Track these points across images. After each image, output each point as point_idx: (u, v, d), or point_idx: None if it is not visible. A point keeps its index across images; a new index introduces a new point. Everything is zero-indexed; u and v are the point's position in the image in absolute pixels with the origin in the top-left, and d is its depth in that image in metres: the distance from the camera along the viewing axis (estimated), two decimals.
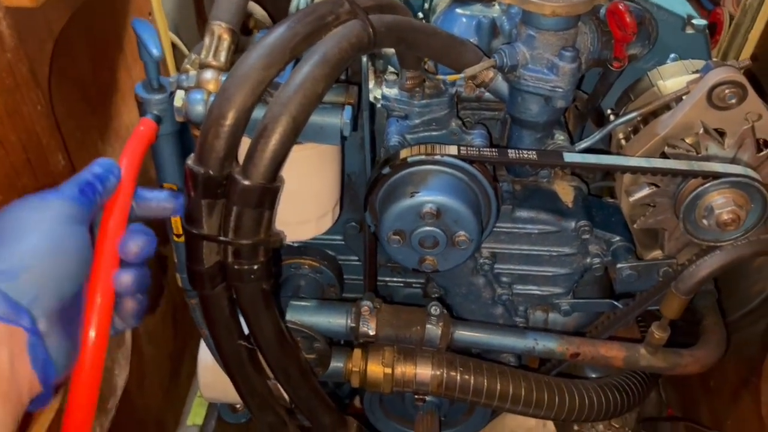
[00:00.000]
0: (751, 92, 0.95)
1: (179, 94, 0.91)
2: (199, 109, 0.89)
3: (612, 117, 1.11)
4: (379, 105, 1.10)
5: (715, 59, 1.05)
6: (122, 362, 1.24)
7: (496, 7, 1.11)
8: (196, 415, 1.73)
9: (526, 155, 1.01)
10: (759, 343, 1.27)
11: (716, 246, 1.04)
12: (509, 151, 1.02)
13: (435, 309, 1.14)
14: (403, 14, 0.99)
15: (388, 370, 1.17)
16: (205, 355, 1.36)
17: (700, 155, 0.99)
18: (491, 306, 1.27)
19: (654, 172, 0.99)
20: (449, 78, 1.04)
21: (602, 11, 1.02)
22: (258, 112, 0.82)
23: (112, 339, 1.12)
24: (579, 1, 0.94)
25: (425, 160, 1.01)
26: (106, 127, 1.23)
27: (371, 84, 1.10)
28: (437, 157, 1.00)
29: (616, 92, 1.15)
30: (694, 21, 1.11)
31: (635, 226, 1.09)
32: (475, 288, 1.24)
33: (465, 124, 1.12)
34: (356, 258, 1.34)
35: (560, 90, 0.99)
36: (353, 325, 1.14)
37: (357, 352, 1.19)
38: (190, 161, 0.82)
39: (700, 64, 1.05)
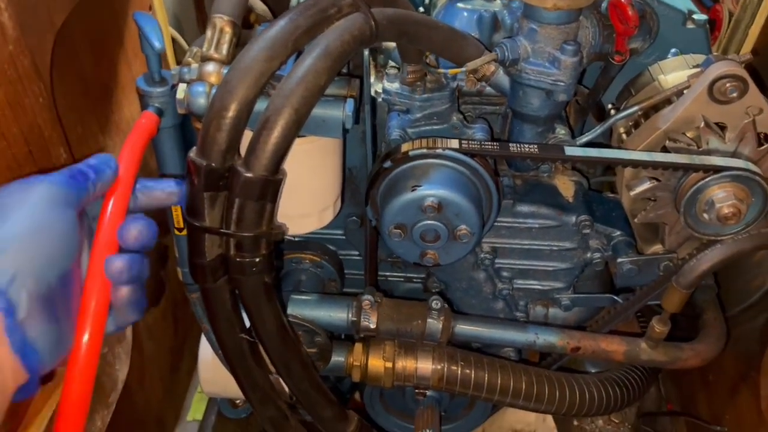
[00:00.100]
0: (752, 86, 0.95)
1: (181, 87, 0.91)
2: (201, 101, 0.89)
3: (613, 111, 1.11)
4: (380, 99, 1.10)
5: (715, 53, 1.05)
6: (123, 357, 1.24)
7: (497, 0, 1.11)
8: (196, 410, 1.73)
9: (527, 149, 1.01)
10: (758, 338, 1.28)
11: (717, 240, 1.04)
12: (510, 145, 1.02)
13: (436, 303, 1.14)
14: (404, 7, 0.99)
15: (389, 365, 1.17)
16: (205, 351, 1.36)
17: (701, 149, 0.99)
18: (492, 301, 1.27)
19: (655, 166, 0.99)
20: (450, 72, 1.04)
21: (604, 5, 1.02)
22: (260, 105, 0.82)
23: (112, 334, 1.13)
24: None
25: (427, 153, 1.01)
26: (107, 120, 1.23)
27: (372, 78, 1.10)
28: (439, 151, 1.01)
29: (617, 87, 1.16)
30: (694, 16, 1.11)
31: (636, 220, 1.09)
32: (476, 283, 1.24)
33: (466, 118, 1.12)
34: (357, 253, 1.34)
35: (562, 84, 1.00)
36: (354, 319, 1.14)
37: (358, 347, 1.19)
38: (192, 153, 0.82)
39: (700, 58, 1.05)
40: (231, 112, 0.79)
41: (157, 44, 0.90)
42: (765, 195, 0.99)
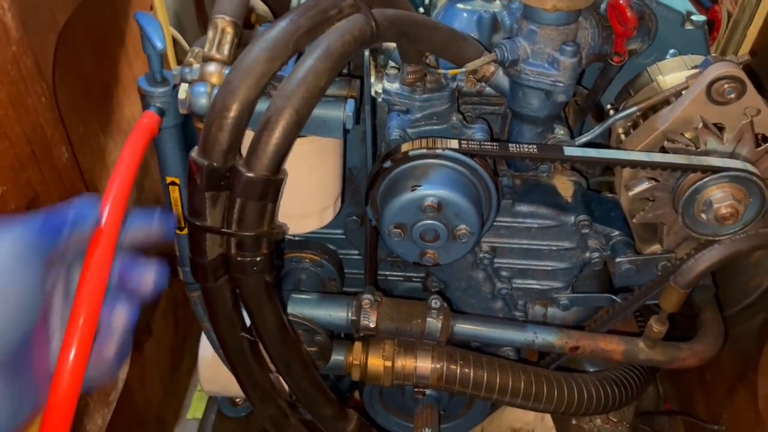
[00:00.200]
0: (750, 87, 0.95)
1: (183, 87, 0.91)
2: (202, 101, 0.90)
3: (612, 112, 1.12)
4: (380, 99, 1.11)
5: (714, 54, 1.06)
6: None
7: (497, 1, 1.11)
8: (196, 409, 1.74)
9: (526, 149, 1.01)
10: (756, 338, 1.28)
11: (715, 240, 1.05)
12: (510, 145, 1.02)
13: (435, 302, 1.14)
14: (404, 8, 0.99)
15: (389, 363, 1.17)
16: (205, 349, 1.36)
17: (699, 150, 1.00)
18: (491, 300, 1.27)
19: (653, 166, 0.99)
20: (450, 72, 1.04)
21: (603, 6, 1.02)
22: (261, 105, 0.82)
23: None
24: None
25: (426, 153, 1.02)
26: (108, 120, 1.24)
27: (372, 78, 1.11)
28: (438, 151, 1.01)
29: (616, 87, 1.16)
30: (693, 17, 1.12)
31: (634, 220, 1.10)
32: (475, 282, 1.25)
33: (466, 119, 1.13)
34: (357, 252, 1.35)
35: (561, 84, 1.00)
36: (354, 318, 1.15)
37: (358, 345, 1.19)
38: (194, 153, 0.82)
39: (699, 59, 1.06)
40: (233, 113, 0.80)
41: (158, 44, 0.90)
42: (763, 195, 0.99)
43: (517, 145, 1.02)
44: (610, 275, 1.21)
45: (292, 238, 1.30)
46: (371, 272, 1.30)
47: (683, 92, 1.01)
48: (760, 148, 1.00)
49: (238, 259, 0.88)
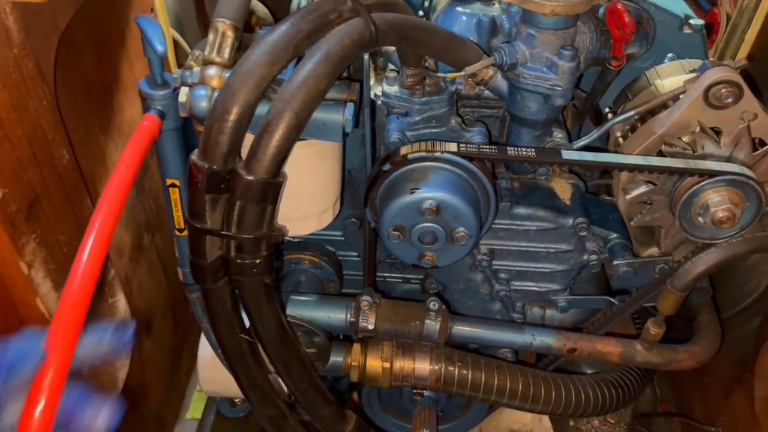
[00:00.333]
0: (747, 92, 0.96)
1: (184, 90, 0.92)
2: (203, 104, 0.90)
3: (610, 115, 1.13)
4: (379, 102, 1.11)
5: (711, 59, 1.07)
6: (123, 356, 1.25)
7: (496, 5, 1.12)
8: (195, 409, 1.74)
9: (524, 152, 1.02)
10: (752, 341, 1.29)
11: (712, 243, 1.05)
12: (508, 148, 1.03)
13: (434, 304, 1.15)
14: (404, 12, 1.00)
15: (387, 365, 1.18)
16: (204, 350, 1.37)
17: (696, 154, 1.01)
18: (489, 302, 1.28)
19: (651, 170, 1.00)
20: (449, 76, 1.05)
21: (601, 11, 1.03)
22: (261, 108, 0.83)
23: None
24: (578, 0, 0.95)
25: (425, 156, 1.02)
26: (109, 123, 1.24)
27: (372, 81, 1.11)
28: (437, 154, 1.02)
29: (614, 91, 1.17)
30: (691, 21, 1.12)
31: (632, 223, 1.10)
32: (474, 284, 1.25)
33: (464, 122, 1.13)
34: (355, 254, 1.35)
35: (559, 88, 1.01)
36: (353, 319, 1.15)
37: (356, 347, 1.20)
38: (194, 156, 0.83)
39: (697, 63, 1.06)
40: (233, 116, 0.80)
41: (159, 48, 0.90)
42: (759, 199, 1.00)
43: (516, 148, 1.03)
44: (608, 278, 1.21)
45: (292, 239, 1.31)
46: (370, 274, 1.30)
47: (681, 96, 1.01)
48: (757, 152, 1.00)
49: (238, 261, 0.88)
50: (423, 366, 1.17)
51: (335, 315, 1.16)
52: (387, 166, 1.04)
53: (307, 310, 1.16)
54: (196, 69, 0.94)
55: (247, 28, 1.24)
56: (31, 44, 0.90)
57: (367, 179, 1.11)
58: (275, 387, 1.11)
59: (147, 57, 0.94)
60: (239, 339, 0.99)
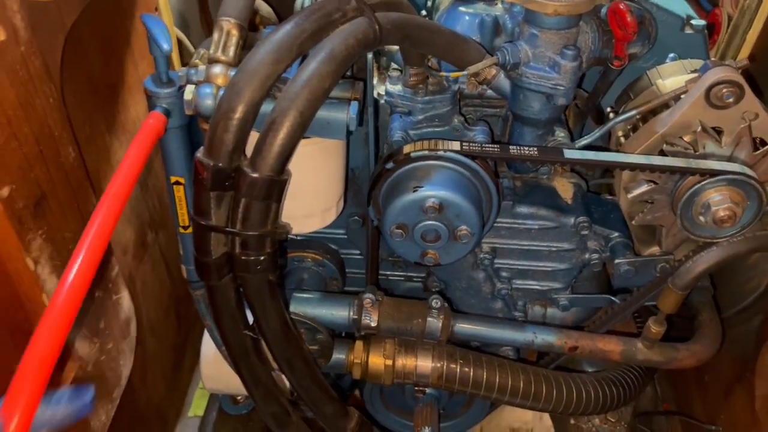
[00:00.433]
0: (749, 92, 0.97)
1: (189, 88, 0.92)
2: (208, 102, 0.91)
3: (612, 115, 1.13)
4: (382, 101, 1.12)
5: (713, 59, 1.07)
6: (127, 352, 1.26)
7: (499, 5, 1.12)
8: (197, 406, 1.75)
9: (527, 151, 1.03)
10: (753, 340, 1.29)
11: (713, 242, 1.06)
12: (511, 147, 1.03)
13: (436, 302, 1.15)
14: (407, 12, 1.00)
15: (389, 362, 1.18)
16: (207, 347, 1.37)
17: (697, 153, 1.01)
18: (491, 300, 1.28)
19: (652, 169, 1.01)
20: (452, 75, 1.05)
21: (603, 11, 1.04)
22: (266, 107, 0.84)
23: (118, 329, 1.14)
24: (581, 0, 0.95)
25: (428, 155, 1.03)
26: (114, 121, 1.25)
27: (375, 80, 1.12)
28: (440, 153, 1.02)
29: (616, 91, 1.17)
30: (693, 21, 1.13)
31: (633, 222, 1.11)
32: (475, 282, 1.26)
33: (467, 121, 1.14)
34: (358, 252, 1.36)
35: (561, 88, 1.01)
36: (356, 317, 1.16)
37: (359, 344, 1.21)
38: (199, 154, 0.84)
39: (698, 63, 1.07)
40: (238, 114, 0.81)
41: (165, 46, 0.91)
42: (760, 198, 1.00)
43: (518, 147, 1.03)
44: (609, 276, 1.22)
45: (295, 237, 1.32)
46: (373, 272, 1.31)
47: (682, 96, 1.02)
48: (758, 152, 1.01)
49: (242, 258, 0.89)
50: (425, 363, 1.18)
51: (338, 312, 1.17)
52: (390, 165, 1.05)
53: (310, 307, 1.17)
54: (202, 67, 0.94)
55: (251, 27, 1.25)
56: (38, 42, 0.90)
57: (370, 177, 1.12)
58: (278, 384, 1.12)
59: (153, 55, 0.94)
60: (243, 336, 1.00)
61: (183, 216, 1.11)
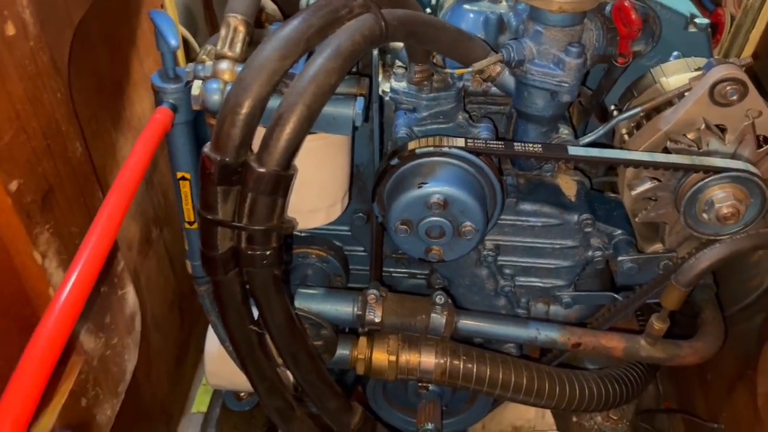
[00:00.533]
0: (752, 89, 0.97)
1: (197, 84, 0.93)
2: (215, 98, 0.92)
3: (615, 112, 1.14)
4: (387, 98, 1.12)
5: (717, 57, 1.08)
6: (132, 347, 1.26)
7: (503, 3, 1.13)
8: (200, 402, 1.75)
9: (531, 148, 1.03)
10: (756, 338, 1.29)
11: (716, 239, 1.06)
12: (515, 144, 1.04)
13: (440, 298, 1.16)
14: (413, 9, 1.01)
15: (393, 358, 1.19)
16: (211, 343, 1.38)
17: (701, 150, 1.02)
18: (494, 297, 1.29)
19: (656, 166, 1.01)
20: (457, 72, 1.06)
21: (608, 8, 1.04)
22: (273, 102, 0.84)
23: (123, 324, 1.14)
24: None
25: (433, 151, 1.03)
26: (119, 117, 1.26)
27: (379, 77, 1.13)
28: (445, 149, 1.03)
29: (620, 88, 1.18)
30: (696, 20, 1.13)
31: (637, 219, 1.11)
32: (479, 279, 1.26)
33: (472, 118, 1.14)
34: (362, 248, 1.36)
35: (566, 85, 1.02)
36: (359, 312, 1.16)
37: (362, 340, 1.21)
38: (206, 149, 0.84)
39: (702, 61, 1.07)
40: (245, 109, 0.82)
41: (173, 42, 0.92)
42: (763, 196, 1.01)
43: (522, 144, 1.04)
44: (612, 274, 1.22)
45: (299, 234, 1.32)
46: (377, 268, 1.31)
47: (686, 94, 1.02)
48: (762, 150, 1.01)
49: (249, 252, 0.89)
50: (428, 359, 1.18)
51: (342, 308, 1.17)
52: (395, 161, 1.06)
53: (314, 302, 1.17)
54: (209, 63, 0.95)
55: (257, 24, 1.26)
56: (46, 37, 0.91)
57: (375, 174, 1.13)
58: (283, 379, 1.12)
59: (160, 51, 0.95)
60: (249, 330, 1.00)
61: (188, 212, 1.11)
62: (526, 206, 1.17)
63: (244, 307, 0.98)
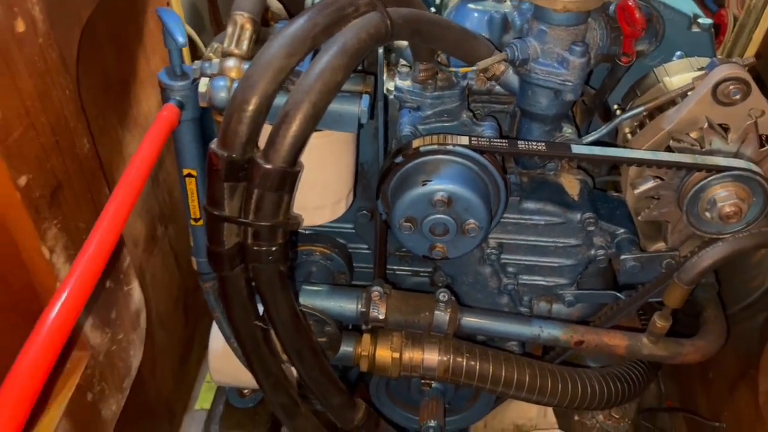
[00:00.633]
0: (755, 89, 0.98)
1: (204, 81, 0.94)
2: (222, 95, 0.92)
3: (619, 112, 1.14)
4: (392, 96, 1.13)
5: (720, 57, 1.08)
6: (137, 343, 1.27)
7: (508, 2, 1.14)
8: (204, 399, 1.76)
9: (535, 147, 1.04)
10: (757, 336, 1.30)
11: (718, 238, 1.07)
12: (519, 142, 1.05)
13: (443, 295, 1.16)
14: (418, 7, 1.01)
15: (396, 355, 1.20)
16: (215, 340, 1.39)
17: (704, 149, 1.02)
18: (497, 295, 1.29)
19: (659, 165, 1.02)
20: (461, 71, 1.07)
21: (612, 8, 1.05)
22: (279, 99, 0.85)
23: (129, 319, 1.15)
24: None
25: (437, 149, 1.04)
26: (126, 114, 1.27)
27: (384, 76, 1.13)
28: (449, 147, 1.03)
29: (623, 88, 1.18)
30: (699, 20, 1.14)
31: (639, 218, 1.12)
32: (482, 277, 1.27)
33: (476, 116, 1.15)
34: (366, 246, 1.37)
35: (570, 83, 1.02)
36: (363, 309, 1.17)
37: (366, 337, 1.22)
38: (213, 145, 0.85)
39: (705, 61, 1.08)
40: (252, 106, 0.82)
41: (180, 39, 0.93)
42: (766, 195, 1.01)
43: (526, 143, 1.04)
44: (615, 272, 1.23)
45: (303, 231, 1.33)
46: (380, 266, 1.32)
47: (689, 93, 1.03)
48: (764, 149, 1.02)
49: (254, 248, 0.90)
50: (432, 357, 1.19)
51: (346, 305, 1.18)
52: (399, 159, 1.06)
53: (318, 299, 1.18)
54: (216, 60, 0.96)
55: (263, 23, 1.27)
56: (55, 35, 0.92)
57: (380, 172, 1.13)
58: (288, 376, 1.13)
59: (167, 48, 0.96)
60: (254, 326, 1.01)
61: (194, 208, 1.12)
62: (530, 205, 1.17)
63: (250, 302, 0.99)
